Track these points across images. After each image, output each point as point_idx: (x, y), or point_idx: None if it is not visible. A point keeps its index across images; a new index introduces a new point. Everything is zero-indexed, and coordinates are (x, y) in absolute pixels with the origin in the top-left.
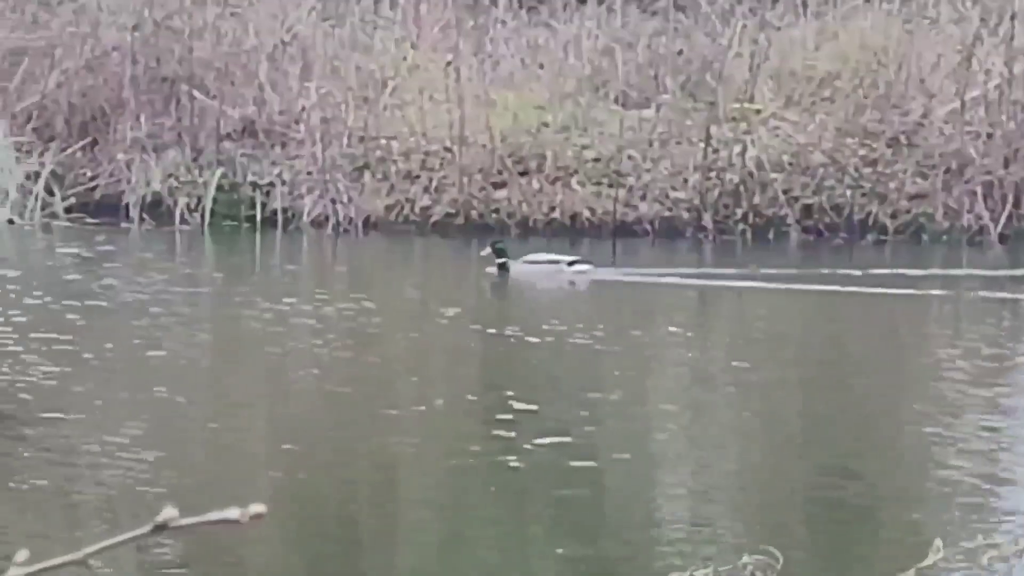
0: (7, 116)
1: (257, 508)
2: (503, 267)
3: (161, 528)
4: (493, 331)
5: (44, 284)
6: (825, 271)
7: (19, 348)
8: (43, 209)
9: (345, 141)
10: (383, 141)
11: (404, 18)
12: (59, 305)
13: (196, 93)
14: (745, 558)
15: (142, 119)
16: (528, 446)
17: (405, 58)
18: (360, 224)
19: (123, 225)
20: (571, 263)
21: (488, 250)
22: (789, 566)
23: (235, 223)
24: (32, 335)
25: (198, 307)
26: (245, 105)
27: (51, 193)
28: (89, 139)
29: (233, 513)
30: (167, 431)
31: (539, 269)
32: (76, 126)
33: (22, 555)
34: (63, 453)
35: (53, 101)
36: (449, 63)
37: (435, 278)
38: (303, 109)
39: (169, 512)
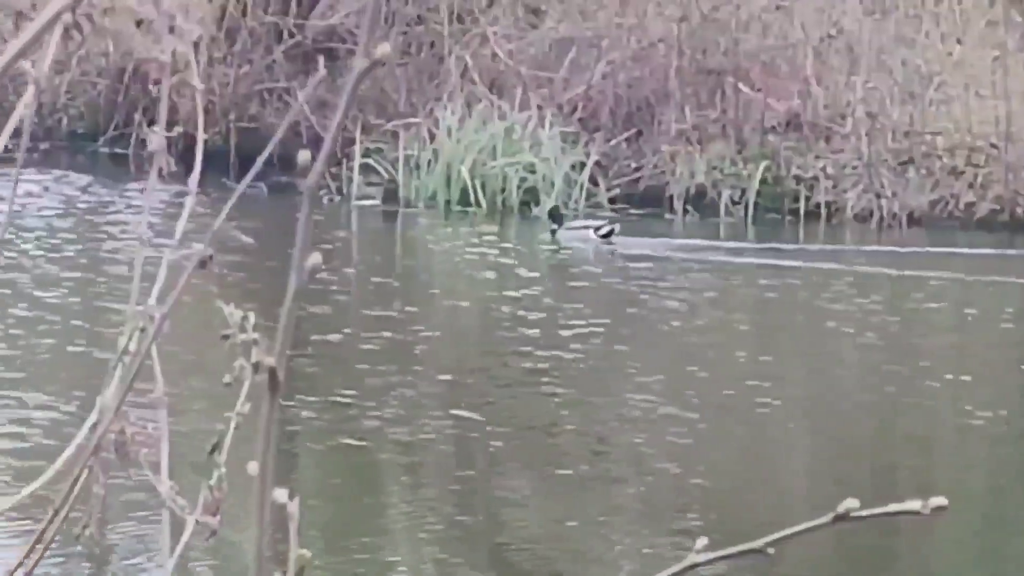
0: (553, 106)
1: (938, 501)
2: (554, 232)
3: (841, 518)
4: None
5: (595, 273)
6: None
7: (569, 331)
8: (587, 199)
9: (890, 136)
10: (928, 136)
11: (951, 13)
12: (592, 290)
13: (741, 86)
14: None
15: (687, 111)
16: None
17: (950, 53)
18: (904, 219)
19: (667, 216)
20: (597, 228)
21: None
22: None
23: (778, 216)
24: (576, 316)
25: (733, 293)
26: (790, 98)
27: (595, 183)
28: (634, 130)
29: (915, 505)
30: (706, 416)
31: (575, 234)
32: (621, 117)
33: (701, 542)
34: (601, 438)
35: (599, 92)
36: (996, 58)
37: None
38: (848, 103)
39: (850, 503)
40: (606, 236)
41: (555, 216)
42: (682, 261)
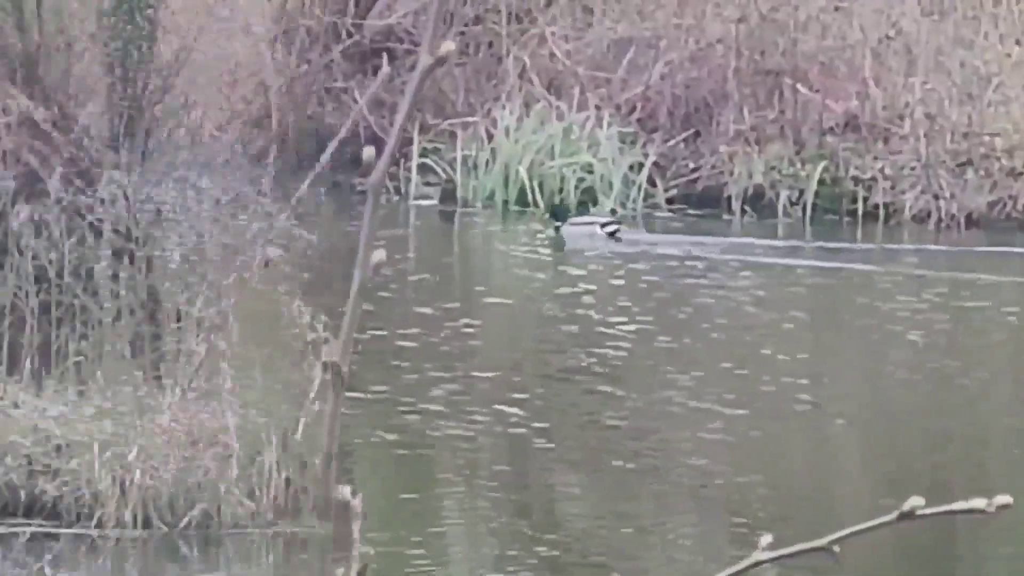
0: (611, 106)
1: (1003, 499)
2: (557, 230)
3: (907, 516)
4: None
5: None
6: None
7: (629, 329)
8: (645, 200)
9: (948, 137)
10: (986, 137)
11: (1009, 14)
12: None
13: (800, 87)
14: None
15: (745, 111)
16: None
17: (1009, 54)
18: (962, 220)
19: (724, 217)
20: (603, 225)
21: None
22: None
23: (835, 217)
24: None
25: (782, 292)
26: (848, 99)
27: (653, 184)
28: (692, 131)
29: (980, 503)
30: (752, 414)
31: (579, 231)
32: (679, 117)
33: (765, 540)
34: (643, 434)
35: (657, 92)
36: None
37: None
38: (907, 104)
39: (915, 501)
40: (612, 233)
41: (557, 213)
42: (733, 261)
